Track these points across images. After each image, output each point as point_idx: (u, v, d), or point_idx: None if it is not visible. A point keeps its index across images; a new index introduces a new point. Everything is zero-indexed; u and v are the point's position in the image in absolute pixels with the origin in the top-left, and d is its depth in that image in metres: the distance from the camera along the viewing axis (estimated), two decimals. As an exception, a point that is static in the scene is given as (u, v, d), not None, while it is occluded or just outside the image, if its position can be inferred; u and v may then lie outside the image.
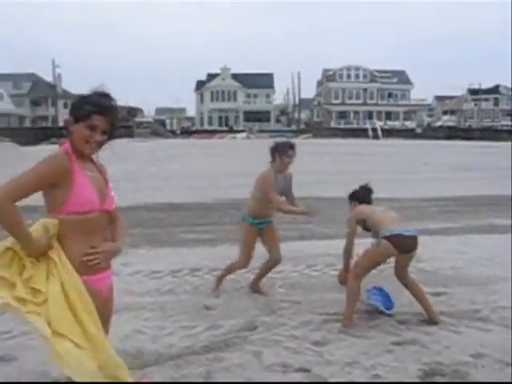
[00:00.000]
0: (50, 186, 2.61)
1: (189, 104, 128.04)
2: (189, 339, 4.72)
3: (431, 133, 73.69)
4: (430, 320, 5.10)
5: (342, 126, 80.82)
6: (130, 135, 59.64)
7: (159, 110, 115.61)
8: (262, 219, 5.90)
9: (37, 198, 2.73)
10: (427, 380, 3.98)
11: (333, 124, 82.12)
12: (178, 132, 77.44)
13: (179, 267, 7.17)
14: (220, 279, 6.13)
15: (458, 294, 6.03)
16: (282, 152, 5.72)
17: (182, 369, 4.13)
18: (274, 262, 5.96)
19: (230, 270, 6.10)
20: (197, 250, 8.28)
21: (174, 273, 6.93)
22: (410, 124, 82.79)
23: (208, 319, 5.21)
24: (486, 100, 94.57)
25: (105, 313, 2.84)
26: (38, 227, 2.65)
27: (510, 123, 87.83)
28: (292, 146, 5.75)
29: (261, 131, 73.33)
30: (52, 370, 3.98)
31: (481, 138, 65.55)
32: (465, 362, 4.28)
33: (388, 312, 5.29)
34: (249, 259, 5.83)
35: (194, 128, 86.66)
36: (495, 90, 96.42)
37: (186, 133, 76.18)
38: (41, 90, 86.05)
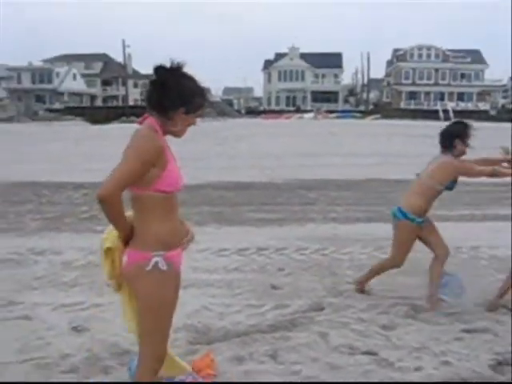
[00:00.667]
0: (151, 167, 2.62)
1: (256, 84, 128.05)
2: (255, 317, 4.75)
3: (506, 115, 70.89)
4: None
5: (411, 106, 78.94)
6: (199, 116, 60.28)
7: (227, 90, 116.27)
8: (425, 216, 5.08)
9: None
10: (498, 370, 3.86)
11: (402, 105, 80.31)
12: (243, 112, 77.57)
13: (246, 246, 7.21)
14: (366, 280, 5.44)
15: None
16: (464, 136, 4.99)
17: (249, 346, 4.16)
18: (445, 254, 5.12)
19: (380, 269, 5.38)
20: (264, 230, 8.31)
21: (241, 251, 6.98)
22: (483, 106, 79.94)
23: (275, 298, 5.23)
24: None
25: (179, 285, 2.96)
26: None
27: None
28: (470, 126, 5.05)
29: (328, 111, 72.66)
30: (122, 341, 4.11)
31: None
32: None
33: (459, 299, 5.14)
34: (405, 259, 5.14)
35: (261, 108, 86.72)
36: None
37: (253, 113, 76.34)
38: (112, 70, 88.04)
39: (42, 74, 79.45)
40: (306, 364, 3.87)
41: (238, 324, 4.61)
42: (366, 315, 4.78)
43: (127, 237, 2.74)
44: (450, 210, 9.47)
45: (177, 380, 3.51)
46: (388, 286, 5.45)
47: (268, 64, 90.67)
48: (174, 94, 2.66)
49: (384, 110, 74.00)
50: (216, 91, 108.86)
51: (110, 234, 2.83)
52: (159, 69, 2.67)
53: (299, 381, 3.63)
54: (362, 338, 4.33)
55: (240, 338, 4.33)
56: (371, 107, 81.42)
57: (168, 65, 2.67)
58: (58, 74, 79.55)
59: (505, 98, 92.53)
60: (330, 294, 5.33)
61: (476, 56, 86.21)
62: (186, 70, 2.73)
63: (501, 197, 11.66)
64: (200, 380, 3.56)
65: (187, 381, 3.52)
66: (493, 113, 73.66)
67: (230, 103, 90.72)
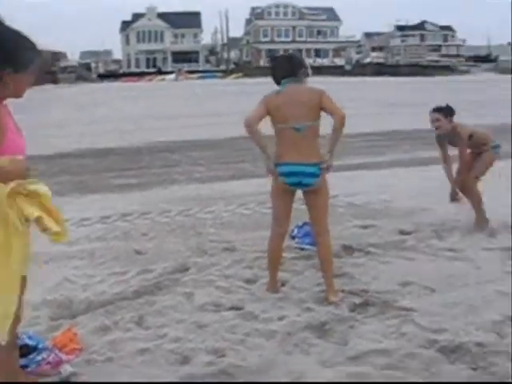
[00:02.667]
0: None
1: (115, 46, 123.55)
2: (120, 285, 4.64)
3: (360, 69, 74.45)
4: None
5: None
6: (54, 81, 57.35)
7: (84, 54, 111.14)
8: None
9: None
10: (357, 311, 4.08)
11: (262, 63, 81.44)
12: (95, 76, 74.44)
13: (109, 213, 7.02)
14: None
15: (385, 226, 6.17)
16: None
17: (114, 315, 4.06)
18: None
19: None
20: (127, 195, 8.13)
21: (103, 219, 6.79)
22: (339, 61, 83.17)
23: (139, 264, 5.13)
24: (413, 36, 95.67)
25: None
26: None
27: (435, 59, 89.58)
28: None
29: (190, 72, 72.06)
30: None
31: (408, 74, 66.67)
32: (393, 290, 4.41)
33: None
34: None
35: (121, 71, 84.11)
36: (421, 26, 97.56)
37: (113, 76, 73.94)
38: None
39: None
40: (171, 326, 3.85)
41: (101, 294, 4.48)
42: (231, 271, 4.84)
43: None
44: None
45: (38, 358, 3.36)
46: (250, 241, 5.54)
47: (125, 25, 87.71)
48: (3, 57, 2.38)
49: (245, 69, 74.70)
50: (72, 55, 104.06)
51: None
52: None
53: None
54: (227, 294, 4.38)
55: (104, 307, 4.22)
56: (232, 66, 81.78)
57: None
58: None
59: (358, 53, 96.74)
60: (195, 254, 5.32)
61: (331, 13, 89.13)
62: (28, 32, 2.48)
63: (354, 147, 12.27)
64: (63, 357, 3.43)
65: (50, 359, 3.38)
66: (348, 68, 76.92)
67: (88, 67, 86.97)
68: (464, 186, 6.01)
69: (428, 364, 3.33)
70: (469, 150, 5.97)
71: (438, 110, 5.91)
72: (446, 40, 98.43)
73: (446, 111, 5.85)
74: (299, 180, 4.20)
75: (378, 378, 3.19)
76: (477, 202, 6.04)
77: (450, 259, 5.14)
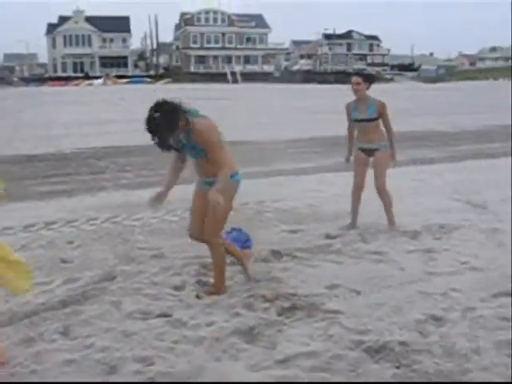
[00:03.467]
0: None
1: (40, 49, 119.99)
2: (44, 295, 4.52)
3: (289, 76, 75.55)
4: None
5: (201, 70, 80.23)
6: (-26, 84, 55.26)
7: (8, 57, 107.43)
8: None
9: None
10: (285, 315, 4.13)
11: (192, 69, 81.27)
12: (15, 79, 71.84)
13: (33, 221, 6.82)
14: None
15: (312, 230, 6.29)
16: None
17: (39, 326, 3.96)
18: None
19: None
20: (52, 203, 7.92)
21: (27, 228, 6.59)
22: (268, 68, 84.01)
23: (65, 273, 5.02)
24: (340, 45, 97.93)
25: None
26: None
27: (361, 67, 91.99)
28: None
29: (118, 77, 70.99)
30: None
31: (335, 81, 68.12)
32: (320, 293, 4.50)
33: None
34: None
35: (46, 75, 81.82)
36: (348, 35, 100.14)
37: (38, 80, 71.88)
38: None
39: None
40: (98, 335, 3.79)
41: (25, 304, 4.34)
42: (159, 278, 4.80)
43: None
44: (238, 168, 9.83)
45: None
46: (179, 247, 5.52)
47: (52, 28, 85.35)
48: None
49: (174, 74, 74.31)
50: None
51: None
52: None
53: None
54: (155, 301, 4.35)
55: (29, 318, 4.10)
56: (161, 71, 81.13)
57: None
58: None
59: (287, 60, 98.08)
60: (122, 262, 5.24)
61: (260, 21, 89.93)
62: None
63: (281, 153, 12.44)
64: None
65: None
66: (277, 74, 77.83)
67: (11, 70, 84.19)
68: (378, 190, 6.23)
69: (354, 365, 3.43)
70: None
71: (359, 73, 6.27)
72: (371, 49, 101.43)
73: (367, 76, 6.15)
74: None
75: (305, 380, 3.25)
76: (389, 203, 6.30)
77: (375, 261, 5.30)
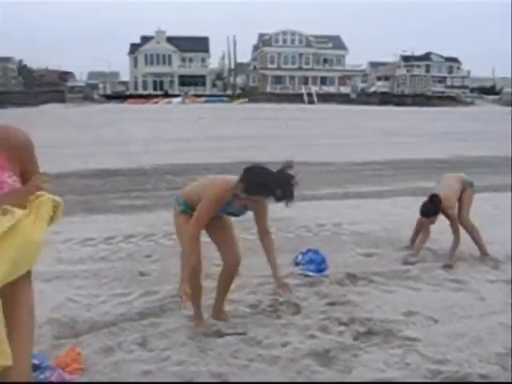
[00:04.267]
0: None
1: (122, 68, 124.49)
2: (123, 306, 4.65)
3: (365, 98, 74.94)
4: None
5: (277, 90, 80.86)
6: (62, 100, 57.85)
7: (92, 75, 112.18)
8: None
9: None
10: (361, 339, 4.07)
11: (268, 89, 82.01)
12: (97, 96, 73.82)
13: (113, 234, 7.03)
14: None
15: (389, 255, 6.18)
16: None
17: (117, 336, 4.07)
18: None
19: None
20: (131, 217, 8.14)
21: (107, 240, 6.80)
22: (344, 89, 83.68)
23: (143, 285, 5.14)
24: (418, 67, 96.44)
25: None
26: None
27: (440, 89, 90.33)
28: None
29: (196, 96, 72.57)
30: None
31: (413, 104, 67.09)
32: (396, 319, 4.41)
33: (322, 274, 5.37)
34: None
35: (127, 93, 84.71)
36: (427, 57, 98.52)
37: (120, 98, 74.46)
38: None
39: None
40: (175, 349, 3.86)
41: (105, 314, 4.50)
42: (234, 296, 4.82)
43: None
44: (313, 190, 9.84)
45: (42, 377, 3.36)
46: (255, 266, 5.54)
47: (134, 48, 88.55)
48: None
49: (251, 94, 75.17)
50: (80, 76, 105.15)
51: None
52: None
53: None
54: (231, 318, 4.38)
55: (108, 328, 4.23)
56: (238, 91, 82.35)
57: None
58: None
59: (364, 82, 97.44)
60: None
61: (337, 42, 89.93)
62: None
63: (358, 175, 12.33)
64: (66, 376, 3.43)
65: (52, 379, 3.39)
66: (353, 96, 77.35)
67: (94, 88, 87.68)
68: (462, 224, 6.10)
69: (432, 395, 3.33)
70: None
71: (426, 215, 6.03)
72: (451, 71, 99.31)
73: (433, 213, 5.97)
74: None
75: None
76: (476, 235, 6.13)
77: (454, 290, 5.14)
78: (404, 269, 5.70)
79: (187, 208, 4.14)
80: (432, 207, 5.92)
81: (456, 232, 5.94)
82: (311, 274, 5.35)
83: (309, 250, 5.64)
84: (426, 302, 4.81)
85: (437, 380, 3.49)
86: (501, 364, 3.71)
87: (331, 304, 4.69)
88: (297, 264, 5.56)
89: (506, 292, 5.10)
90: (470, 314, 4.60)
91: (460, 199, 6.18)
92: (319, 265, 5.44)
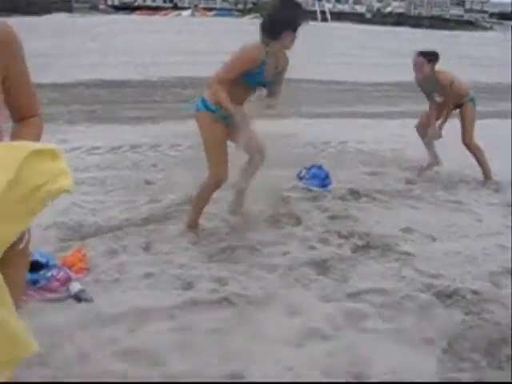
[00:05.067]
0: None
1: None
2: (129, 212, 4.74)
3: (380, 18, 72.81)
4: None
5: (290, 7, 78.53)
6: (69, 10, 56.47)
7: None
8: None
9: None
10: (359, 252, 4.17)
11: (281, 4, 79.62)
12: (103, 7, 71.57)
13: (119, 143, 7.07)
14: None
15: (393, 174, 6.23)
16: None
17: (122, 240, 4.17)
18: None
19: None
20: (138, 128, 8.15)
21: (114, 149, 6.84)
22: (359, 8, 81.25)
23: (148, 193, 5.23)
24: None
25: None
26: None
27: (458, 13, 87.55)
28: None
29: (207, 9, 70.70)
30: None
31: (429, 27, 65.22)
32: (395, 235, 4.50)
33: (325, 189, 5.43)
34: None
35: (136, 3, 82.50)
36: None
37: (128, 8, 72.58)
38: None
39: None
40: (178, 253, 3.97)
41: (110, 219, 4.59)
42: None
43: None
44: (321, 108, 9.76)
45: (48, 275, 3.48)
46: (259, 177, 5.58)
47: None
48: None
49: (263, 9, 73.03)
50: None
51: None
52: None
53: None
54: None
55: (113, 232, 4.32)
56: (250, 6, 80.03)
57: None
58: None
59: (380, 1, 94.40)
60: (203, 188, 5.38)
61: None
62: None
63: (367, 96, 12.20)
64: (72, 275, 3.55)
65: (59, 276, 3.50)
66: (368, 15, 75.22)
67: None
68: (466, 145, 6.05)
69: (423, 306, 3.44)
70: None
71: (422, 54, 5.90)
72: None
73: (431, 57, 5.86)
74: None
75: (374, 316, 3.30)
76: (481, 156, 6.09)
77: (454, 210, 5.22)
78: (407, 188, 5.76)
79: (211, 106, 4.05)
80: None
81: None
82: (314, 188, 5.40)
83: (313, 166, 5.67)
84: (426, 220, 4.90)
85: (429, 293, 3.59)
86: (493, 281, 3.81)
87: (332, 218, 4.76)
88: (300, 178, 5.61)
89: (504, 215, 5.17)
90: (468, 233, 4.69)
91: (461, 114, 6.09)
92: (323, 180, 5.49)
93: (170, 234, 4.28)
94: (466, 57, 25.13)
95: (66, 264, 3.67)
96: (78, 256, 3.80)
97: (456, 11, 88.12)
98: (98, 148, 6.84)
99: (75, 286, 3.41)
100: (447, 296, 3.58)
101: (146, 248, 4.07)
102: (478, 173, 6.23)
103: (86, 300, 3.32)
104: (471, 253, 4.26)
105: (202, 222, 4.51)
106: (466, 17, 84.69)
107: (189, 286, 3.54)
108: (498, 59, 24.70)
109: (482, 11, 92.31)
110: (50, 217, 4.48)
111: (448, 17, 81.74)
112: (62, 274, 3.51)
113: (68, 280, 3.48)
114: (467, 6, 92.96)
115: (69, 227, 4.40)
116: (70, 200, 4.94)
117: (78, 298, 3.33)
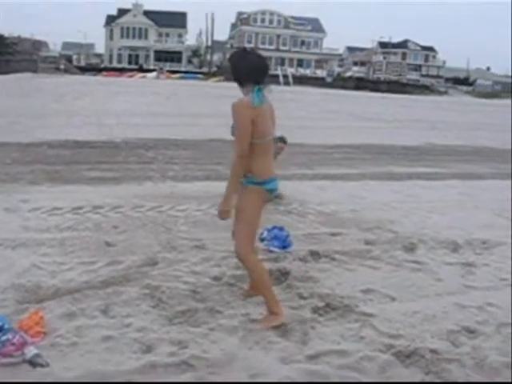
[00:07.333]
0: None
1: (98, 40, 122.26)
2: (88, 274, 4.70)
3: (341, 82, 75.10)
4: None
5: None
6: (34, 70, 56.76)
7: (66, 45, 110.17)
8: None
9: None
10: (319, 313, 4.20)
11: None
12: (62, 67, 71.89)
13: (81, 204, 7.03)
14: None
15: (353, 235, 6.31)
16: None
17: (80, 302, 4.13)
18: None
19: None
20: (101, 188, 8.12)
21: (75, 210, 6.79)
22: (320, 73, 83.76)
23: (109, 255, 5.19)
24: (395, 54, 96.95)
25: None
26: None
27: (415, 77, 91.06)
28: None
29: (172, 72, 71.87)
30: None
31: (387, 90, 67.45)
32: (355, 296, 4.54)
33: (286, 250, 5.48)
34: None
35: (102, 65, 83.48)
36: (404, 44, 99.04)
37: (94, 70, 73.35)
38: None
39: None
40: (137, 316, 3.93)
41: (69, 281, 4.54)
42: (199, 268, 4.92)
43: None
44: (283, 170, 9.90)
45: (3, 339, 3.40)
46: (221, 240, 5.62)
47: (110, 20, 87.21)
48: None
49: (227, 73, 74.59)
50: (54, 46, 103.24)
51: None
52: None
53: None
54: (195, 289, 4.47)
55: (71, 294, 4.27)
56: (214, 69, 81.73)
57: None
58: None
59: (340, 66, 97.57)
60: (165, 250, 5.39)
61: (316, 24, 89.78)
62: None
63: (328, 158, 12.46)
64: (28, 339, 3.48)
65: (14, 340, 3.43)
66: (329, 80, 77.49)
67: (69, 59, 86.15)
68: None
69: (383, 367, 3.47)
70: None
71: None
72: (427, 60, 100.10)
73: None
74: None
75: (334, 378, 3.31)
76: None
77: (413, 270, 5.30)
78: (366, 249, 5.84)
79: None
80: None
81: None
82: (275, 249, 5.45)
83: (274, 227, 5.75)
84: (385, 280, 4.96)
85: (388, 353, 3.62)
86: (451, 340, 3.87)
87: (293, 279, 4.79)
88: (262, 240, 5.66)
89: (463, 274, 5.28)
90: (427, 293, 4.76)
91: None
92: (283, 241, 5.55)
93: (129, 296, 4.25)
94: (421, 120, 26.04)
95: (23, 327, 3.60)
96: (34, 319, 3.73)
97: (413, 76, 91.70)
98: (59, 208, 6.79)
99: (31, 351, 3.34)
100: (407, 356, 3.62)
101: (105, 311, 4.03)
102: (436, 232, 6.37)
103: (42, 365, 3.24)
104: (430, 312, 4.33)
105: (161, 283, 4.49)
106: (423, 81, 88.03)
107: (148, 349, 3.51)
108: (451, 123, 25.65)
109: (438, 76, 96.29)
110: (7, 278, 4.43)
111: (405, 81, 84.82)
112: (17, 337, 3.44)
113: (24, 344, 3.41)
114: (424, 71, 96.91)
115: (26, 289, 4.33)
116: (28, 261, 4.89)
117: (33, 363, 3.26)
